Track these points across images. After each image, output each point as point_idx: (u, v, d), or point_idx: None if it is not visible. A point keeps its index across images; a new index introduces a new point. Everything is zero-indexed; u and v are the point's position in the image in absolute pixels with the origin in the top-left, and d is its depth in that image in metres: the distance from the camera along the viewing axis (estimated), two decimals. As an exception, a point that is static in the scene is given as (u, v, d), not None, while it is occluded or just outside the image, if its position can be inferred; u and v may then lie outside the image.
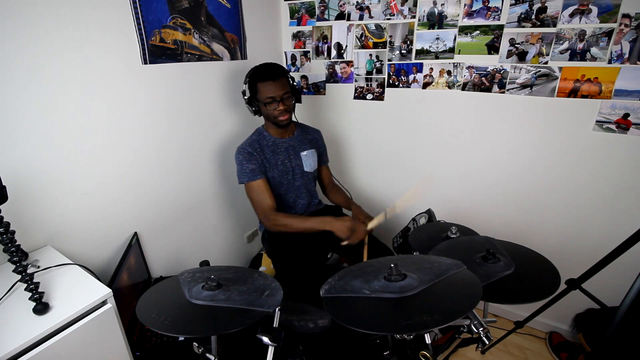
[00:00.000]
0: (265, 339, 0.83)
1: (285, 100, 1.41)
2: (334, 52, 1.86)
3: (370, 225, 1.39)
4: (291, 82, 1.47)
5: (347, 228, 1.33)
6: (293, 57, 1.99)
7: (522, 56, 1.43)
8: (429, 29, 1.58)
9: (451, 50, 1.56)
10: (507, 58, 1.46)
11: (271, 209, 1.43)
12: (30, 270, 0.82)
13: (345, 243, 1.33)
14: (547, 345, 1.69)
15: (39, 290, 0.81)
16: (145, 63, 1.25)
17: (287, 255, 1.52)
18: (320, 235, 1.52)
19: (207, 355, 0.90)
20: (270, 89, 1.38)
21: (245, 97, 1.46)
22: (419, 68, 1.67)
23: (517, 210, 1.67)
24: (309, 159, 1.58)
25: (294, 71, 2.02)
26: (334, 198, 1.73)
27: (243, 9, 1.63)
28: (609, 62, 1.29)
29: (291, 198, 1.57)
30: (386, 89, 1.80)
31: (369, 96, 1.85)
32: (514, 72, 1.47)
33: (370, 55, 1.77)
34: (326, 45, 1.86)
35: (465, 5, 1.48)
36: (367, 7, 1.70)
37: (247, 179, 1.43)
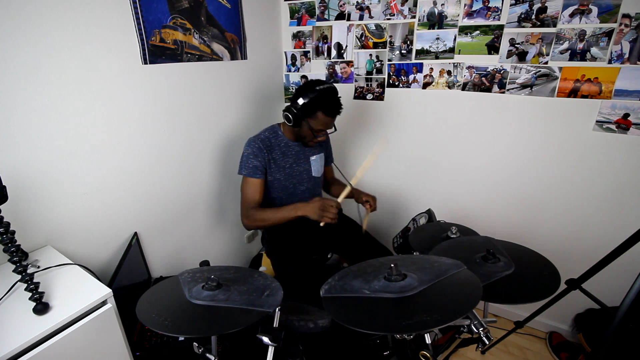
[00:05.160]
0: (265, 339, 0.83)
1: (328, 130, 1.45)
2: (334, 52, 1.86)
3: (340, 198, 1.39)
4: None
5: (317, 208, 1.32)
6: (293, 57, 1.99)
7: (522, 56, 1.43)
8: (429, 29, 1.58)
9: (451, 50, 1.57)
10: (507, 58, 1.46)
11: (254, 207, 1.43)
12: (30, 270, 0.82)
13: (322, 224, 1.32)
14: (547, 345, 1.69)
15: (39, 290, 0.81)
16: (145, 63, 1.25)
17: (287, 255, 1.52)
18: (320, 235, 1.52)
19: (207, 355, 0.90)
20: (328, 123, 1.39)
21: (295, 110, 1.36)
22: (419, 68, 1.67)
23: (517, 210, 1.67)
24: (317, 164, 1.58)
25: (294, 71, 2.02)
26: (335, 191, 1.74)
27: (243, 9, 1.63)
28: (609, 62, 1.29)
29: (294, 202, 1.56)
30: (386, 89, 1.80)
31: (369, 96, 1.85)
32: (514, 72, 1.47)
33: (370, 55, 1.77)
34: (326, 45, 1.86)
35: (465, 5, 1.48)
36: (367, 7, 1.70)
37: (246, 173, 1.43)
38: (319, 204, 1.33)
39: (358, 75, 1.84)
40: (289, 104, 1.40)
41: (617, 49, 1.27)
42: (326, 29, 1.83)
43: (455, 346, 1.27)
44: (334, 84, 1.42)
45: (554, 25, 1.34)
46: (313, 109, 1.35)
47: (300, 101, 1.35)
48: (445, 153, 1.76)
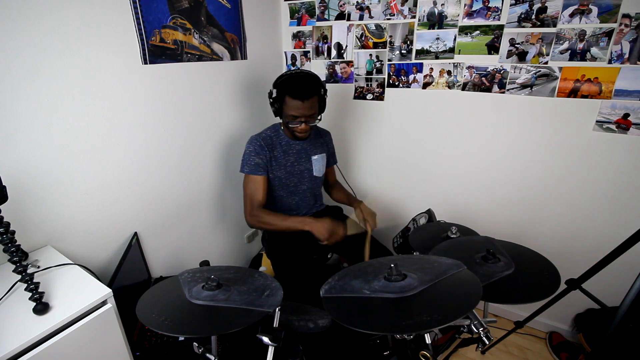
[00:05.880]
0: (265, 339, 0.83)
1: (310, 120, 1.37)
2: (334, 52, 1.86)
3: (349, 232, 1.38)
4: (322, 93, 1.40)
5: (326, 230, 1.32)
6: (293, 57, 1.99)
7: (522, 56, 1.43)
8: (429, 29, 1.58)
9: (451, 50, 1.56)
10: (507, 58, 1.46)
11: (258, 206, 1.43)
12: (30, 270, 0.81)
13: (323, 243, 1.33)
14: (547, 345, 1.69)
15: (39, 290, 0.81)
16: (145, 63, 1.25)
17: (287, 255, 1.52)
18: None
19: (207, 355, 0.90)
20: (298, 108, 1.32)
21: (270, 99, 1.40)
22: (419, 68, 1.67)
23: (517, 210, 1.67)
24: (318, 163, 1.58)
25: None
26: (336, 195, 1.74)
27: (243, 9, 1.63)
28: (609, 62, 1.29)
29: (294, 200, 1.56)
30: (386, 89, 1.80)
31: (369, 96, 1.85)
32: (514, 72, 1.47)
33: (370, 55, 1.77)
34: (326, 45, 1.86)
35: (465, 5, 1.48)
36: (367, 7, 1.70)
37: (248, 171, 1.43)
38: (330, 227, 1.32)
39: (358, 75, 1.84)
40: None
41: (617, 49, 1.27)
42: (326, 29, 1.83)
43: (455, 346, 1.27)
44: (313, 72, 1.40)
45: (554, 25, 1.34)
46: (282, 94, 1.34)
47: (273, 90, 1.37)
48: (445, 153, 1.76)
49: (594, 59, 1.31)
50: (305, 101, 1.32)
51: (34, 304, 0.79)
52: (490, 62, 1.50)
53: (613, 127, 1.36)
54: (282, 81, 1.36)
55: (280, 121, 1.53)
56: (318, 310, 1.13)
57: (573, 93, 1.39)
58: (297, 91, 1.31)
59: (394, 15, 1.65)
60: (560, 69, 1.38)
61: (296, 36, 1.93)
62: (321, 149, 1.59)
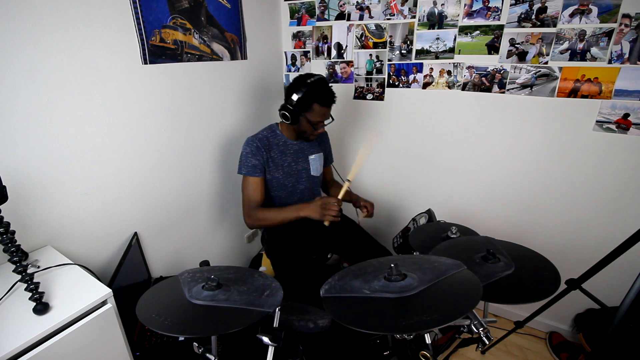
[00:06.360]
0: (265, 339, 0.83)
1: (326, 121, 1.47)
2: (334, 52, 1.86)
3: (340, 195, 1.38)
4: None
5: (319, 207, 1.34)
6: (293, 57, 1.99)
7: (522, 56, 1.43)
8: (429, 29, 1.58)
9: (451, 50, 1.56)
10: (507, 58, 1.46)
11: (256, 206, 1.44)
12: (30, 270, 0.82)
13: (327, 223, 1.33)
14: (547, 345, 1.69)
15: (39, 290, 0.81)
16: (146, 63, 1.25)
17: (286, 255, 1.52)
18: (319, 235, 1.52)
19: (207, 355, 0.90)
20: (324, 114, 1.41)
21: (291, 107, 1.37)
22: (419, 68, 1.67)
23: (517, 210, 1.67)
24: (316, 163, 1.58)
25: (294, 71, 2.02)
26: (334, 192, 1.74)
27: (243, 9, 1.63)
28: (609, 62, 1.29)
29: (293, 201, 1.56)
30: (386, 89, 1.80)
31: (369, 96, 1.85)
32: (514, 72, 1.47)
33: (370, 55, 1.77)
34: (326, 45, 1.86)
35: (465, 5, 1.48)
36: (367, 7, 1.70)
37: (245, 172, 1.44)
38: (320, 202, 1.34)
39: (358, 75, 1.84)
40: (283, 102, 1.41)
41: (617, 49, 1.27)
42: (326, 29, 1.83)
43: (455, 346, 1.27)
44: (323, 75, 1.44)
45: (554, 25, 1.34)
46: (308, 102, 1.36)
47: (295, 97, 1.37)
48: (445, 153, 1.76)
49: (594, 59, 1.31)
50: (331, 106, 1.41)
51: (34, 304, 0.79)
52: (490, 62, 1.50)
53: (613, 127, 1.36)
54: (310, 89, 1.36)
55: (277, 122, 1.54)
56: (318, 310, 1.13)
57: (573, 93, 1.39)
58: (327, 99, 1.38)
59: (394, 15, 1.65)
60: (560, 69, 1.38)
61: (296, 36, 1.93)
62: (318, 149, 1.60)
